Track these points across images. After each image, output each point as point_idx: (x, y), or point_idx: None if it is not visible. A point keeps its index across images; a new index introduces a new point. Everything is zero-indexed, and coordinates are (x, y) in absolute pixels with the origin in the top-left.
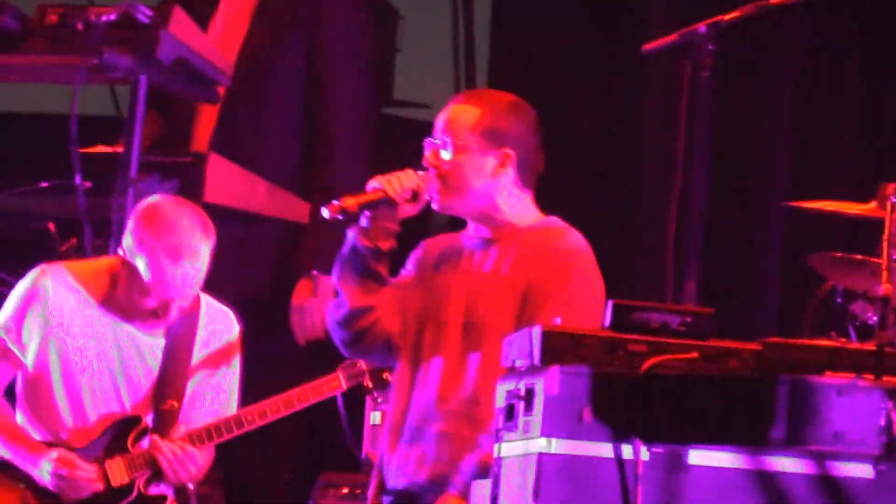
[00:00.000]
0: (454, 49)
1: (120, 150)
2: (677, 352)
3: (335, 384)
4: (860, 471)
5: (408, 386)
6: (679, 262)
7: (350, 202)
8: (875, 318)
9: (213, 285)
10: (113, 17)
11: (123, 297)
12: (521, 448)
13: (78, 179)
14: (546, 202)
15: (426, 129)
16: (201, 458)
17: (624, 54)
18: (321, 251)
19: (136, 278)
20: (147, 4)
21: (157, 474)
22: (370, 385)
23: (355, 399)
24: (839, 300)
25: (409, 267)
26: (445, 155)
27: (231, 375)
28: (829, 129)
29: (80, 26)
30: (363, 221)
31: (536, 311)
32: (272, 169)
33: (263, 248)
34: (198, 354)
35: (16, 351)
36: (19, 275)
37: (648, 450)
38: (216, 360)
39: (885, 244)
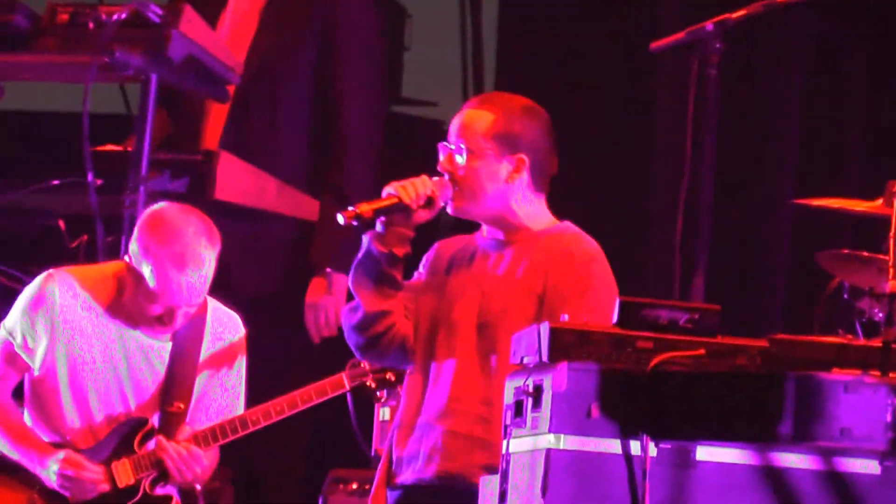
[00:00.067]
0: (462, 47)
1: (129, 147)
2: (685, 349)
3: (338, 385)
4: (867, 467)
5: (420, 385)
6: (687, 260)
7: (365, 208)
8: (882, 315)
9: (226, 283)
10: (124, 15)
11: (130, 303)
12: (529, 444)
13: (90, 177)
14: (555, 200)
15: (434, 126)
16: (207, 459)
17: (632, 52)
18: (333, 249)
19: (142, 285)
20: (157, 3)
21: (162, 475)
22: (373, 385)
23: (365, 395)
24: (846, 297)
25: (422, 269)
26: (460, 160)
27: (237, 377)
28: (836, 127)
29: (90, 25)
30: (378, 227)
31: (554, 316)
32: (282, 167)
33: (276, 246)
34: (204, 357)
35: (23, 355)
36: (30, 272)
37: (656, 446)
38: (222, 362)
39: (891, 241)
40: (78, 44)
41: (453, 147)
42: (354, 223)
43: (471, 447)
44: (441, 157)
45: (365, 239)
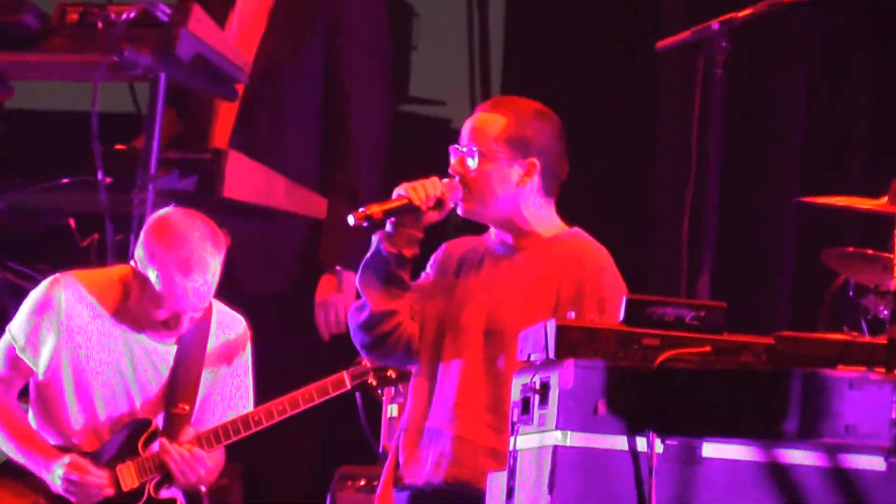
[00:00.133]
0: (469, 47)
1: (135, 146)
2: (691, 346)
3: (340, 383)
4: (872, 463)
5: (426, 387)
6: (693, 257)
7: (375, 209)
8: (886, 312)
9: (235, 281)
10: (132, 15)
11: (135, 308)
12: (536, 441)
13: (100, 175)
14: (561, 199)
15: (441, 125)
16: (211, 461)
17: (638, 51)
18: (342, 247)
19: (148, 290)
20: (166, 2)
21: (166, 477)
22: (374, 383)
23: (367, 393)
24: (851, 294)
25: (430, 270)
26: (471, 163)
27: (243, 378)
28: (841, 126)
29: (100, 24)
30: (388, 227)
31: None
32: (291, 165)
33: (285, 245)
34: (209, 359)
35: (27, 360)
36: (40, 270)
37: (662, 442)
38: (228, 363)
39: None
40: (87, 43)
41: (465, 150)
42: (365, 224)
43: (479, 454)
44: (452, 160)
45: (374, 239)
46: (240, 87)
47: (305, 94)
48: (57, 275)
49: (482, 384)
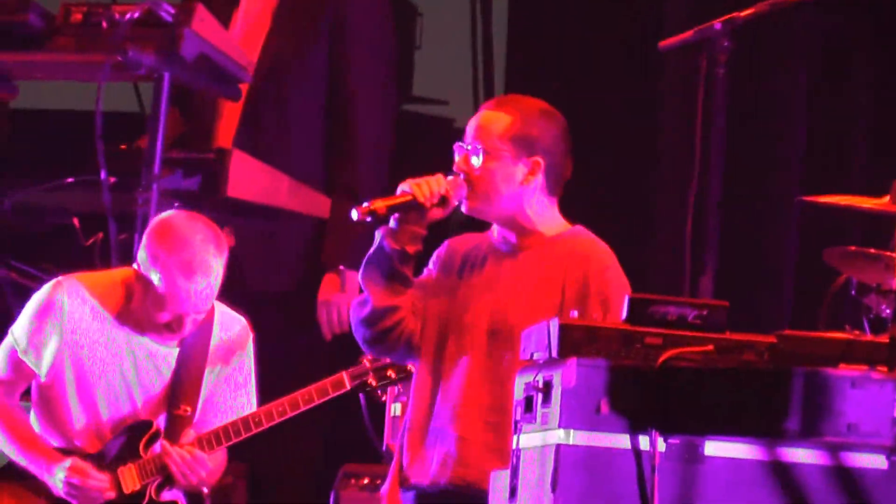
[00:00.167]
0: (472, 46)
1: (140, 146)
2: (693, 345)
3: (340, 384)
4: (874, 461)
5: (429, 387)
6: (695, 257)
7: (379, 204)
8: (888, 311)
9: (240, 280)
10: (136, 14)
11: (138, 310)
12: (539, 439)
13: (104, 175)
14: (564, 198)
15: (445, 125)
16: (212, 462)
17: (640, 51)
18: (346, 246)
19: (151, 292)
20: (170, 2)
21: (168, 479)
22: (374, 383)
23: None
24: (853, 293)
25: (432, 267)
26: (476, 161)
27: (246, 379)
28: (842, 125)
29: (104, 24)
30: (392, 223)
31: None
32: (295, 165)
33: (290, 244)
34: (211, 361)
35: (29, 363)
36: (45, 269)
37: (665, 441)
38: (230, 365)
39: None
40: (91, 43)
41: (469, 148)
42: (368, 219)
43: (484, 454)
44: (456, 158)
45: (378, 235)
46: (244, 87)
47: (309, 94)
48: (59, 277)
49: (486, 384)
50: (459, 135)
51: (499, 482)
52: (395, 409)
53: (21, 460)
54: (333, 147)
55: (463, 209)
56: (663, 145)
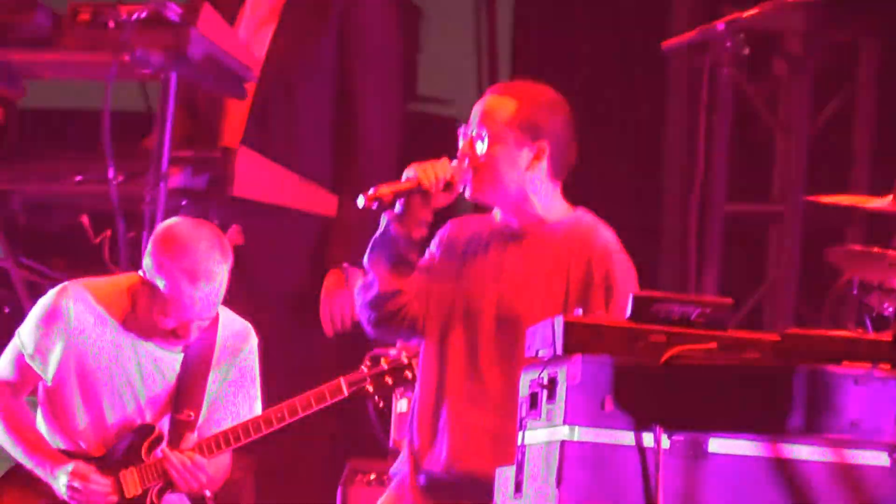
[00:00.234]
0: (477, 46)
1: (148, 145)
2: (697, 342)
3: (338, 390)
4: (876, 459)
5: (437, 371)
6: (700, 254)
7: (385, 191)
8: (891, 310)
9: (249, 279)
10: (143, 14)
11: (143, 317)
12: (544, 436)
13: (112, 173)
14: (568, 197)
15: (450, 124)
16: (213, 467)
17: (646, 50)
18: (351, 245)
19: (156, 299)
20: (176, 2)
21: (169, 484)
22: (371, 390)
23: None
24: (856, 292)
25: (435, 249)
26: (481, 146)
27: (250, 386)
28: (846, 125)
29: (111, 24)
30: (397, 208)
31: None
32: (303, 164)
33: (297, 242)
34: (215, 366)
35: (36, 368)
36: (54, 266)
37: (669, 438)
38: (234, 371)
39: None
40: (99, 42)
41: (474, 133)
42: (374, 205)
43: (496, 443)
44: (461, 142)
45: (384, 219)
46: (251, 86)
47: (316, 93)
48: (65, 283)
49: (495, 372)
50: None
51: (504, 478)
52: (401, 405)
53: (26, 462)
54: (340, 145)
55: (467, 195)
56: (669, 143)
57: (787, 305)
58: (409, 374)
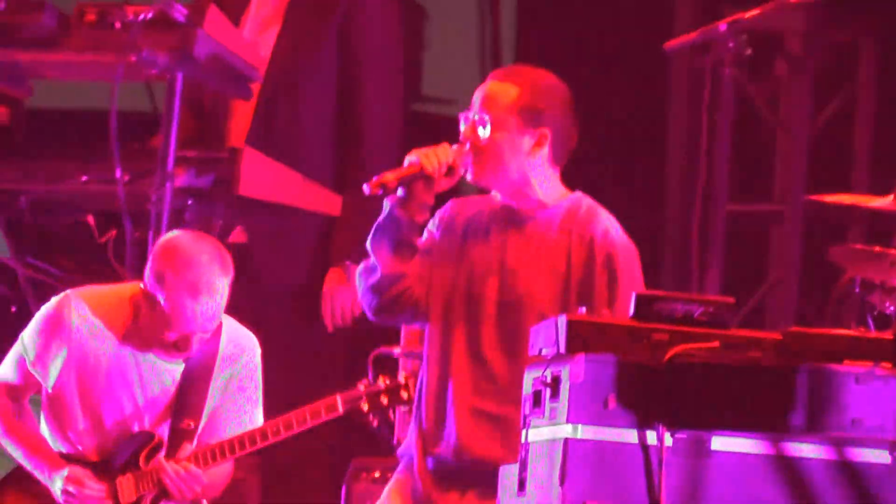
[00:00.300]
0: (480, 46)
1: (154, 144)
2: (700, 341)
3: (333, 408)
4: (877, 456)
5: (441, 356)
6: (702, 254)
7: (389, 177)
8: (892, 308)
9: (254, 277)
10: (150, 15)
11: (145, 328)
12: (547, 434)
13: (118, 173)
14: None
15: (453, 123)
16: (210, 477)
17: (648, 51)
18: (353, 243)
19: (157, 311)
20: (182, 3)
21: (164, 493)
22: (365, 409)
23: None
24: (857, 291)
25: (434, 229)
26: (482, 132)
27: (252, 396)
28: (847, 125)
29: (117, 25)
30: (400, 192)
31: (589, 302)
32: (307, 163)
33: (302, 241)
34: (216, 377)
35: (34, 373)
36: (60, 266)
37: (672, 436)
38: (237, 380)
39: None
40: (105, 43)
41: (476, 118)
42: (379, 192)
43: (503, 428)
44: (463, 127)
45: (387, 203)
46: (255, 86)
47: (320, 93)
48: (67, 291)
49: (500, 356)
50: None
51: (508, 476)
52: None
53: (27, 464)
54: (344, 145)
55: (468, 179)
56: (671, 143)
57: (789, 304)
58: (404, 394)
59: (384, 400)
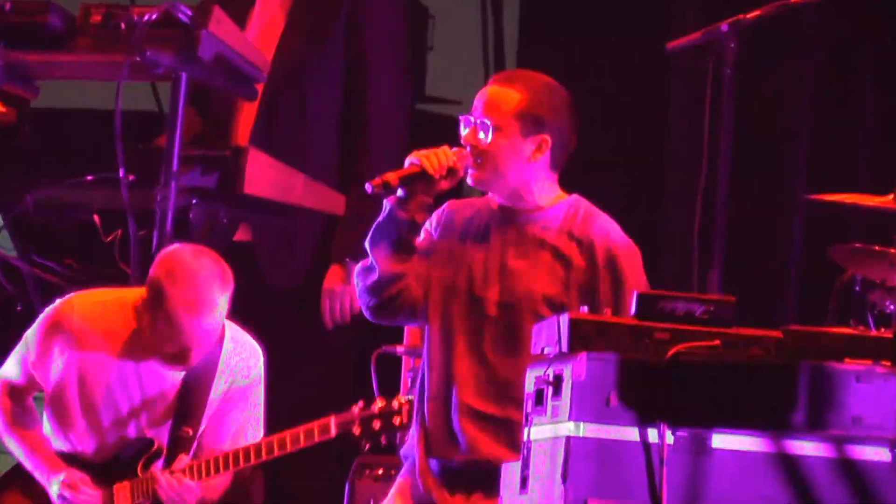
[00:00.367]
0: (484, 47)
1: (158, 145)
2: (701, 339)
3: (326, 429)
4: (878, 454)
5: (443, 358)
6: (703, 253)
7: (391, 177)
8: (893, 307)
9: (257, 276)
10: (155, 16)
11: (146, 337)
12: (549, 431)
13: (123, 173)
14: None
15: (457, 124)
16: (205, 489)
17: (650, 52)
18: (355, 241)
19: (157, 324)
20: (187, 4)
21: (158, 502)
22: (357, 432)
23: (390, 384)
24: (858, 290)
25: (432, 230)
26: (483, 136)
27: (253, 406)
28: (848, 124)
29: (123, 25)
30: (400, 193)
31: (592, 304)
32: (312, 163)
33: (305, 240)
34: (217, 385)
35: (38, 377)
36: (65, 265)
37: (673, 434)
38: (238, 389)
39: None
40: (110, 43)
41: (477, 122)
42: (381, 192)
43: (507, 429)
44: (464, 130)
45: (387, 204)
46: (260, 86)
47: (324, 93)
48: (71, 295)
49: (501, 356)
50: None
51: (510, 473)
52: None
53: (27, 463)
54: (348, 145)
55: (469, 181)
56: (672, 144)
57: (791, 302)
58: (397, 419)
59: (376, 425)
